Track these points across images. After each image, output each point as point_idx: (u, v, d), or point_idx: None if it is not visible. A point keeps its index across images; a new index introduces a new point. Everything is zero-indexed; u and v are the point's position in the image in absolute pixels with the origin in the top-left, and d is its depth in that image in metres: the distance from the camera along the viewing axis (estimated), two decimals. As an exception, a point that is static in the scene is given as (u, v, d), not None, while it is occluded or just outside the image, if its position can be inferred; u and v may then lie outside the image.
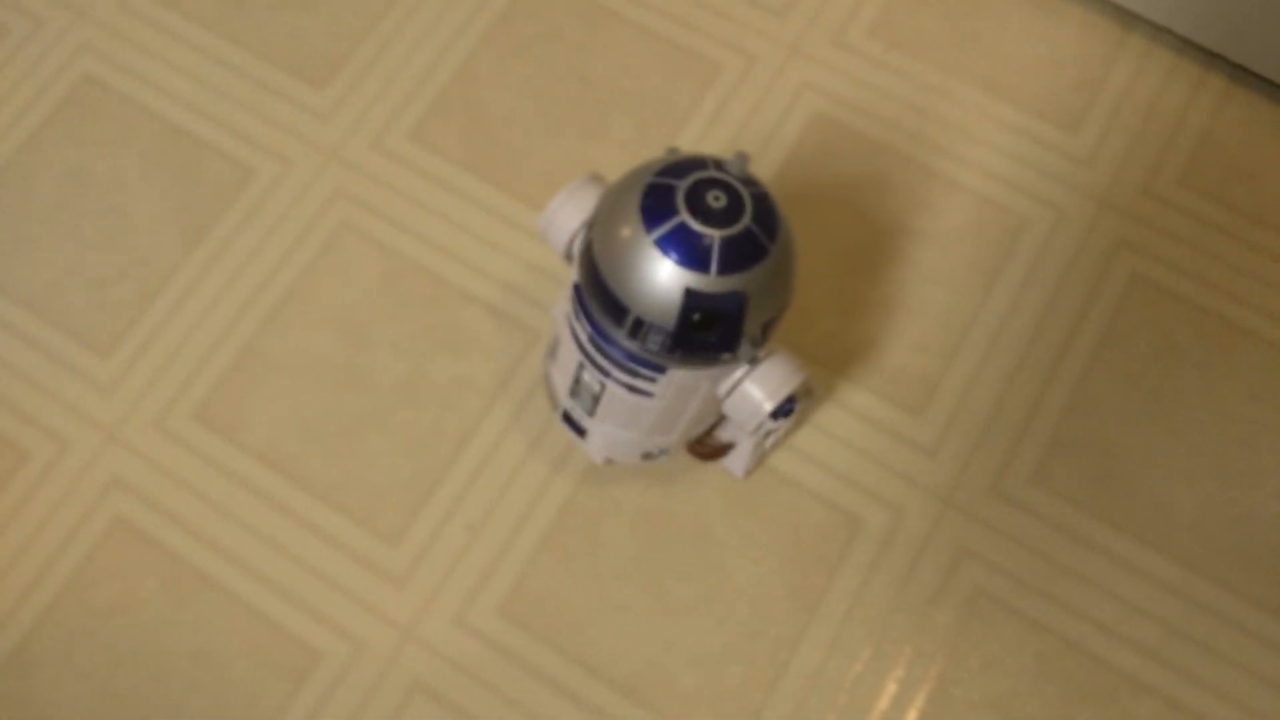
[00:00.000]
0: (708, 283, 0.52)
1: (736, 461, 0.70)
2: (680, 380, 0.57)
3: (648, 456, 0.65)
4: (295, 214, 0.80)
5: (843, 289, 0.77)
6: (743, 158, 0.53)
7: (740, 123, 0.82)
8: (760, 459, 0.71)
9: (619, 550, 0.71)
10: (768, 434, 0.65)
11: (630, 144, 0.81)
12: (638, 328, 0.54)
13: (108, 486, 0.72)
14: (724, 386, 0.59)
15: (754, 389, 0.58)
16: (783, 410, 0.59)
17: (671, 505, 0.72)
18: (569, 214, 0.59)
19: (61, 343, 0.76)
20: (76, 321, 0.77)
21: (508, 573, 0.70)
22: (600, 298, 0.54)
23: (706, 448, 0.69)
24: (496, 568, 0.70)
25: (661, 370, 0.56)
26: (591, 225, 0.55)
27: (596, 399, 0.61)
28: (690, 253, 0.52)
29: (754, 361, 0.58)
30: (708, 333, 0.53)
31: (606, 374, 0.58)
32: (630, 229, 0.52)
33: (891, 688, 0.68)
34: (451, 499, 0.72)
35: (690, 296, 0.52)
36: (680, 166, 0.53)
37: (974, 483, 0.73)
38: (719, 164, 0.54)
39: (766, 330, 0.56)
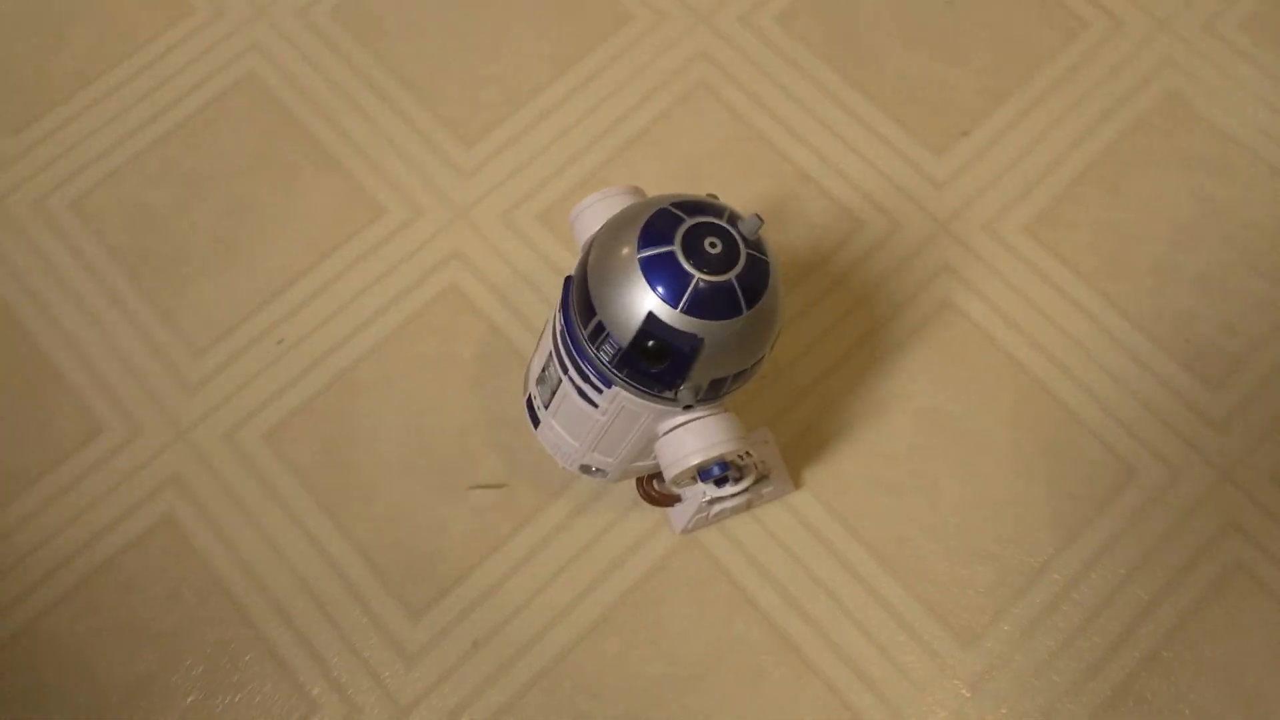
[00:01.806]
0: (671, 316, 0.53)
1: (678, 516, 0.72)
2: (624, 402, 0.58)
3: (585, 469, 0.67)
4: (658, 64, 0.86)
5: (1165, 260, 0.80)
6: (756, 220, 0.55)
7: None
8: (702, 524, 0.72)
9: (900, 437, 0.75)
10: (712, 501, 0.67)
11: (984, 74, 0.85)
12: (598, 333, 0.55)
13: (448, 257, 0.80)
14: (663, 426, 0.60)
15: (688, 438, 0.59)
16: (712, 474, 0.60)
17: (955, 408, 0.76)
18: (594, 216, 0.62)
19: (431, 124, 0.84)
20: (448, 109, 0.84)
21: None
22: (579, 295, 0.56)
23: (656, 492, 0.71)
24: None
25: (608, 384, 0.58)
26: (603, 228, 0.58)
27: (554, 391, 0.63)
28: (667, 283, 0.53)
29: (690, 409, 0.59)
30: (655, 362, 0.55)
31: (565, 370, 0.60)
32: (627, 244, 0.54)
33: (1129, 624, 0.70)
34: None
35: (650, 321, 0.53)
36: (697, 206, 0.55)
37: (1258, 465, 0.74)
38: (734, 218, 0.55)
39: (717, 387, 0.57)
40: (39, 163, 0.84)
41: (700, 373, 0.55)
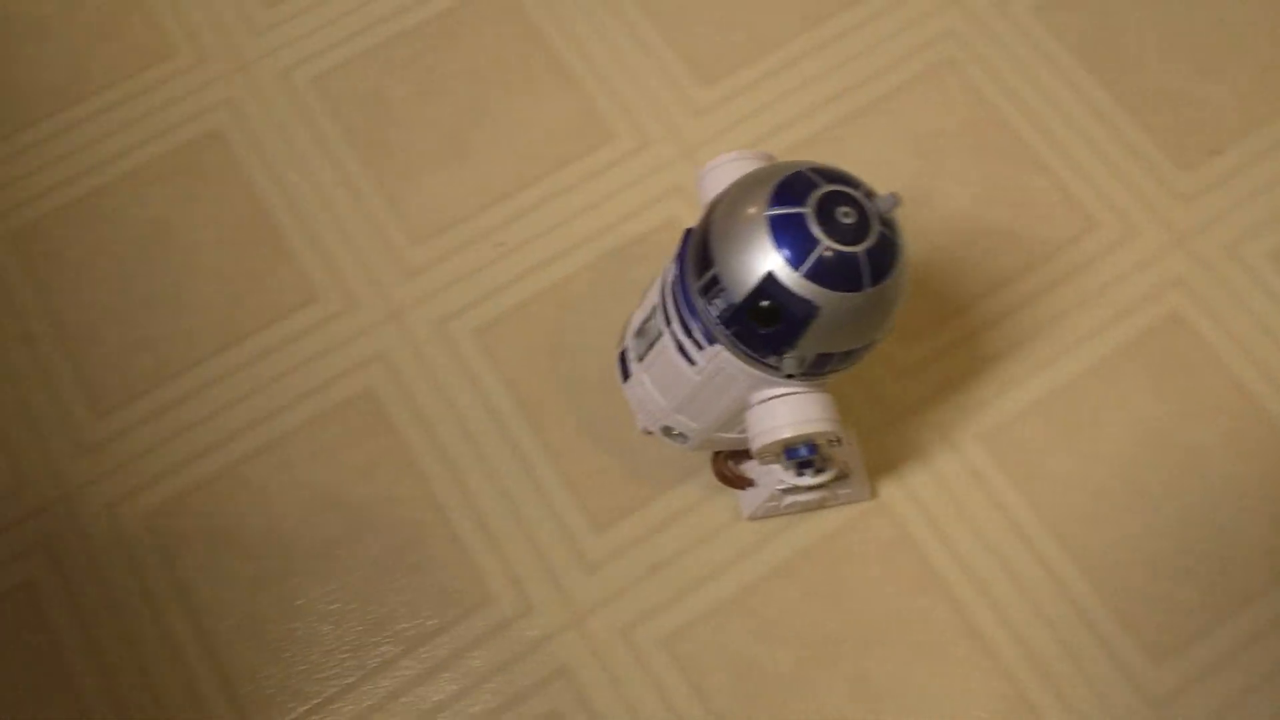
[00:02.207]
0: (791, 278, 0.52)
1: (748, 500, 0.70)
2: (723, 363, 0.57)
3: (667, 432, 0.65)
4: (906, 36, 0.85)
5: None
6: (894, 198, 0.53)
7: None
8: (772, 512, 0.70)
9: (1114, 443, 0.73)
10: (787, 490, 0.65)
11: (1245, 96, 0.82)
12: (711, 286, 0.54)
13: (670, 191, 0.80)
14: (759, 395, 0.58)
15: (782, 409, 0.57)
16: (798, 454, 0.58)
17: (1173, 424, 0.73)
18: (724, 175, 0.60)
19: (672, 58, 0.84)
20: (692, 46, 0.84)
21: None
22: (698, 247, 0.55)
23: (731, 472, 0.70)
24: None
25: (711, 342, 0.56)
26: (734, 184, 0.56)
27: (651, 345, 0.61)
28: (793, 244, 0.52)
29: (790, 380, 0.57)
30: (766, 324, 0.53)
31: (668, 322, 0.58)
32: (757, 202, 0.53)
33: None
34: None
35: (768, 280, 0.52)
36: (836, 175, 0.54)
37: None
38: (870, 194, 0.54)
39: (822, 363, 0.55)
40: (290, 34, 0.86)
41: (809, 343, 0.53)
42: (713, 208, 0.56)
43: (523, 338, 0.76)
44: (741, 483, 0.70)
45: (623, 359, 0.65)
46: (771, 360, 0.55)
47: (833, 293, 0.52)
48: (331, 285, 0.77)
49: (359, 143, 0.82)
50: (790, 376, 0.56)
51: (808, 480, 0.63)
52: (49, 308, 0.77)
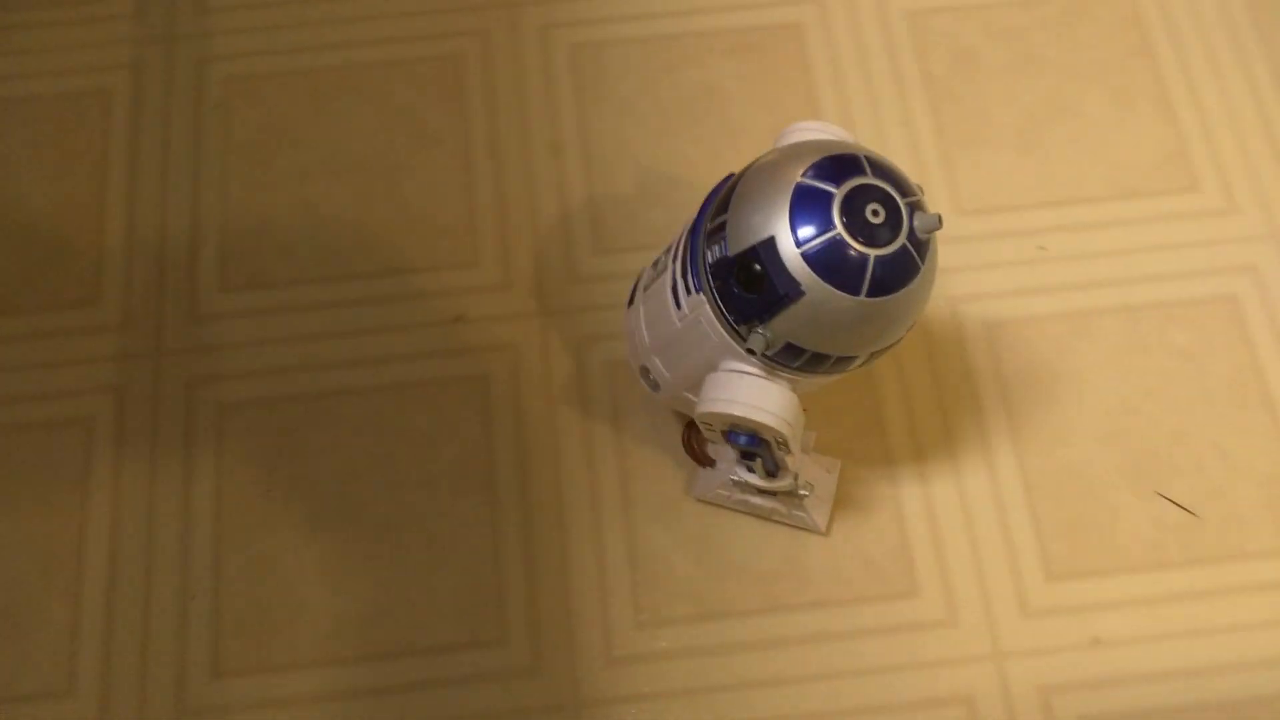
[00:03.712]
0: (789, 253, 0.48)
1: (702, 481, 0.67)
2: (702, 316, 0.53)
3: (644, 374, 0.62)
4: None
5: None
6: (935, 219, 0.49)
7: None
8: (719, 501, 0.67)
9: None
10: (738, 482, 0.62)
11: None
12: (717, 232, 0.51)
13: (1241, 269, 0.72)
14: (723, 363, 0.55)
15: (733, 384, 0.54)
16: (739, 441, 0.55)
17: None
18: (800, 137, 0.56)
19: (1287, 134, 0.76)
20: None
21: None
22: (727, 190, 0.53)
23: (696, 444, 0.67)
24: None
25: (699, 289, 0.53)
26: (791, 144, 0.53)
27: (658, 277, 0.58)
28: (807, 219, 0.48)
29: (756, 360, 0.53)
30: (747, 288, 0.50)
31: (675, 257, 0.56)
32: (798, 166, 0.50)
33: None
34: None
35: (766, 245, 0.49)
36: (890, 173, 0.50)
37: None
38: (918, 205, 0.50)
39: (792, 355, 0.51)
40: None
41: (782, 326, 0.50)
42: (760, 159, 0.53)
43: (1027, 349, 0.71)
44: (704, 460, 0.67)
45: (636, 284, 0.63)
46: (742, 329, 0.52)
47: (825, 285, 0.49)
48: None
49: (934, 91, 0.78)
50: (752, 354, 0.53)
51: (754, 479, 0.61)
52: (582, 128, 0.79)
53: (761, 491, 0.63)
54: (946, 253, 0.71)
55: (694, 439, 0.68)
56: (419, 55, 0.81)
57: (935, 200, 0.75)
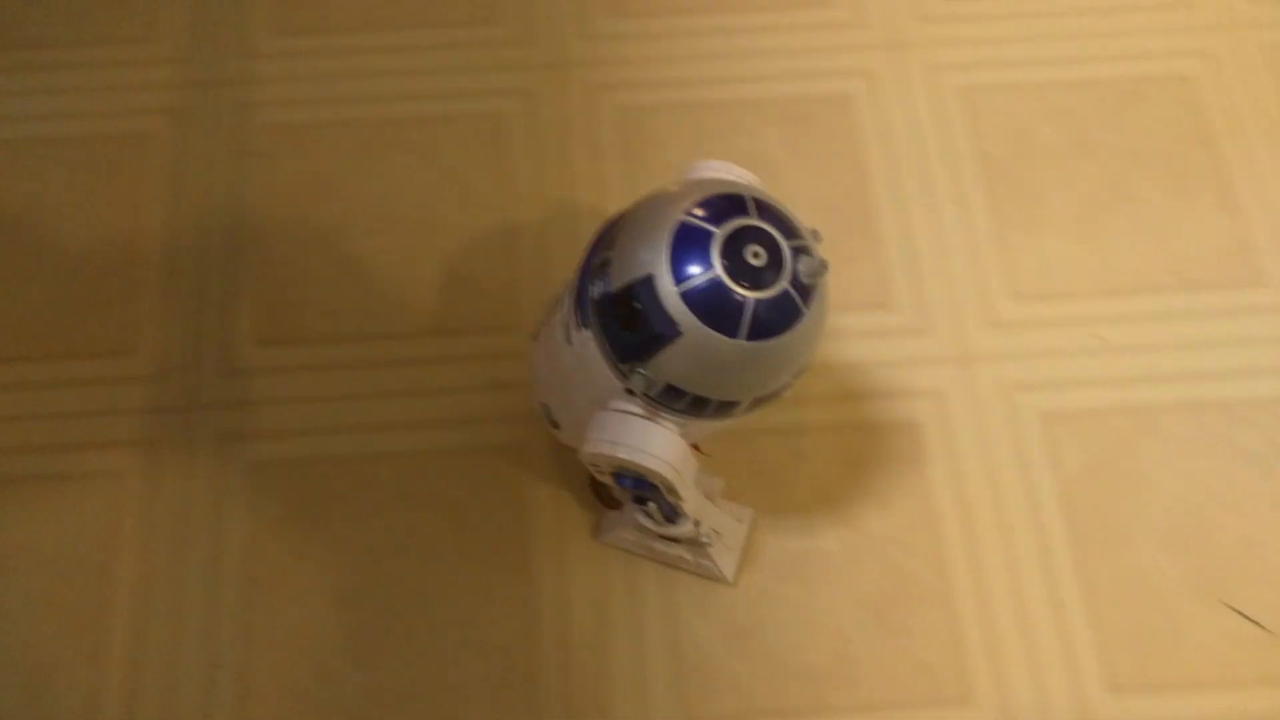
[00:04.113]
0: (668, 292, 0.47)
1: (609, 522, 0.66)
2: (589, 354, 0.52)
3: (546, 413, 0.61)
4: None
5: None
6: (819, 263, 0.49)
7: None
8: (621, 544, 0.66)
9: None
10: (641, 527, 0.61)
11: None
12: (602, 267, 0.50)
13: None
14: (611, 402, 0.53)
15: (615, 425, 0.52)
16: (626, 483, 0.54)
17: None
18: (697, 174, 0.55)
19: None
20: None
21: None
22: (614, 224, 0.52)
23: (599, 488, 0.66)
24: None
25: (584, 325, 0.51)
26: (688, 181, 0.52)
27: (554, 314, 0.57)
28: (686, 259, 0.47)
29: (647, 402, 0.51)
30: (625, 326, 0.49)
31: (569, 291, 0.54)
32: (684, 203, 0.48)
33: None
34: None
35: (645, 283, 0.47)
36: (779, 218, 0.49)
37: None
38: (803, 249, 0.49)
39: (673, 397, 0.50)
40: (957, 34, 0.82)
41: (662, 367, 0.49)
42: (649, 194, 0.52)
43: (1086, 444, 0.68)
44: (610, 503, 0.66)
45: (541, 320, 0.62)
46: (624, 368, 0.50)
47: (703, 326, 0.47)
48: (909, 297, 0.73)
49: (991, 171, 0.77)
50: (631, 394, 0.51)
51: (651, 524, 0.59)
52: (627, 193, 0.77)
53: (664, 538, 0.62)
54: (1001, 338, 0.71)
55: (596, 483, 0.67)
56: (466, 111, 0.79)
57: (988, 282, 0.73)
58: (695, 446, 0.63)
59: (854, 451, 0.68)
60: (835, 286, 0.71)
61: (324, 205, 0.76)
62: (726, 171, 0.56)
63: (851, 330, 0.72)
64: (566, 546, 0.66)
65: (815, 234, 0.51)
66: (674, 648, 0.64)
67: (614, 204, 0.78)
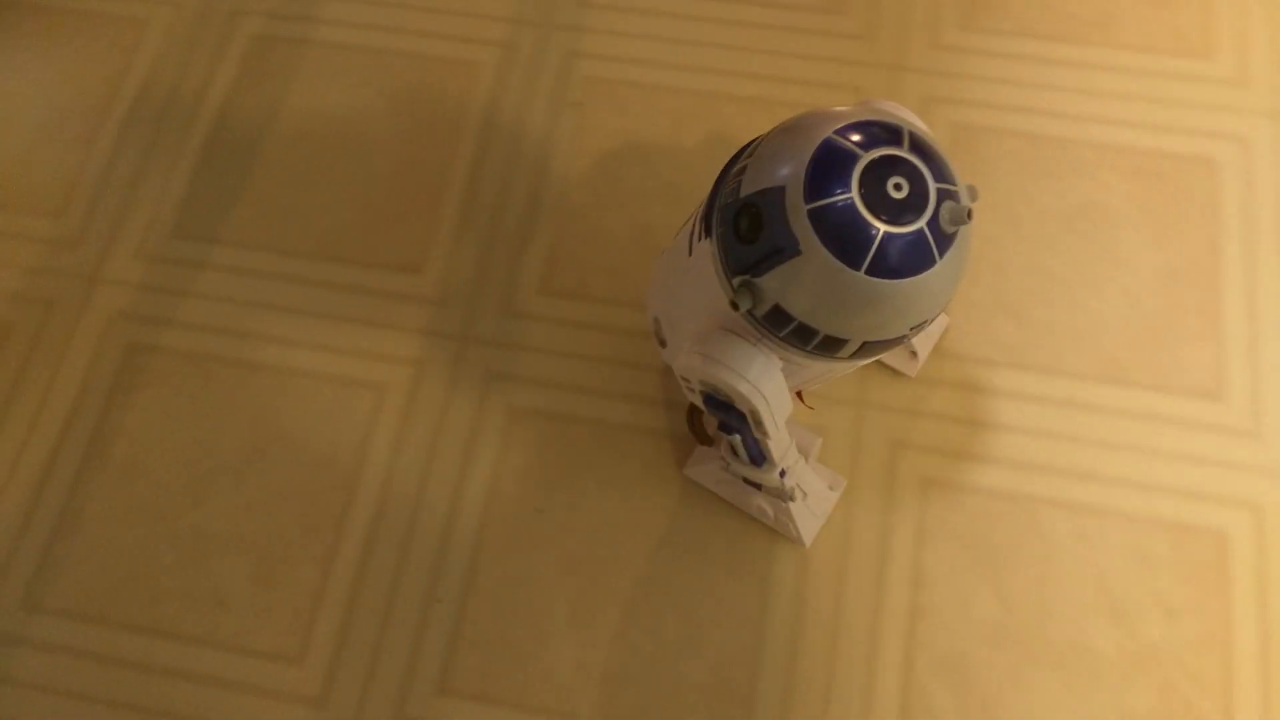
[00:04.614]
0: (794, 206, 0.45)
1: (698, 455, 0.65)
2: (705, 262, 0.50)
3: (655, 326, 0.58)
4: None
5: None
6: (963, 208, 0.45)
7: None
8: (705, 479, 0.65)
9: None
10: (727, 464, 0.60)
11: None
12: (738, 175, 0.48)
13: (1239, 503, 0.59)
14: (717, 318, 0.51)
15: (716, 339, 0.50)
16: (712, 402, 0.52)
17: None
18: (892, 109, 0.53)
19: None
20: None
21: None
22: (761, 136, 0.49)
23: (698, 421, 0.65)
24: None
25: (708, 234, 0.50)
26: (860, 105, 0.50)
27: (683, 227, 0.55)
28: (823, 176, 0.44)
29: (749, 319, 0.48)
30: (743, 235, 0.46)
31: (706, 202, 0.52)
32: (834, 122, 0.46)
33: None
34: None
35: (773, 193, 0.45)
36: (928, 152, 0.46)
37: None
38: (950, 195, 0.45)
39: (778, 322, 0.47)
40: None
41: (774, 284, 0.46)
42: (810, 110, 0.49)
43: (962, 536, 0.59)
44: (704, 438, 0.65)
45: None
46: (736, 282, 0.47)
47: (824, 249, 0.44)
48: (1243, 392, 0.65)
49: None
50: (736, 308, 0.47)
51: (736, 464, 0.58)
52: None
53: (748, 482, 0.59)
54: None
55: (695, 416, 0.66)
56: (786, 99, 0.76)
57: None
58: (798, 394, 0.60)
59: (1145, 548, 0.62)
60: (1165, 364, 0.66)
61: (629, 169, 0.75)
62: (899, 111, 0.52)
63: (1174, 417, 0.65)
64: (809, 567, 0.63)
65: (972, 190, 0.47)
66: (905, 711, 0.59)
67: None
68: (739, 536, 0.63)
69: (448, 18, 0.81)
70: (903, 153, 0.45)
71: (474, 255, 0.73)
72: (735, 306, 0.48)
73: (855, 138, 0.45)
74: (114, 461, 0.68)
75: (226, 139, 0.78)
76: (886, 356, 0.67)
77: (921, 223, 0.44)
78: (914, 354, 0.67)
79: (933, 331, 0.67)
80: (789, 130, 0.47)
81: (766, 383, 0.50)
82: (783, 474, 0.57)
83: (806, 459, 0.61)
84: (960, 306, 0.68)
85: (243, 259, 0.73)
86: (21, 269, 0.74)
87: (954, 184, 0.46)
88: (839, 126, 0.45)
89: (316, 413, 0.68)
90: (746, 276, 0.47)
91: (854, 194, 0.44)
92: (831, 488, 0.63)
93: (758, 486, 0.60)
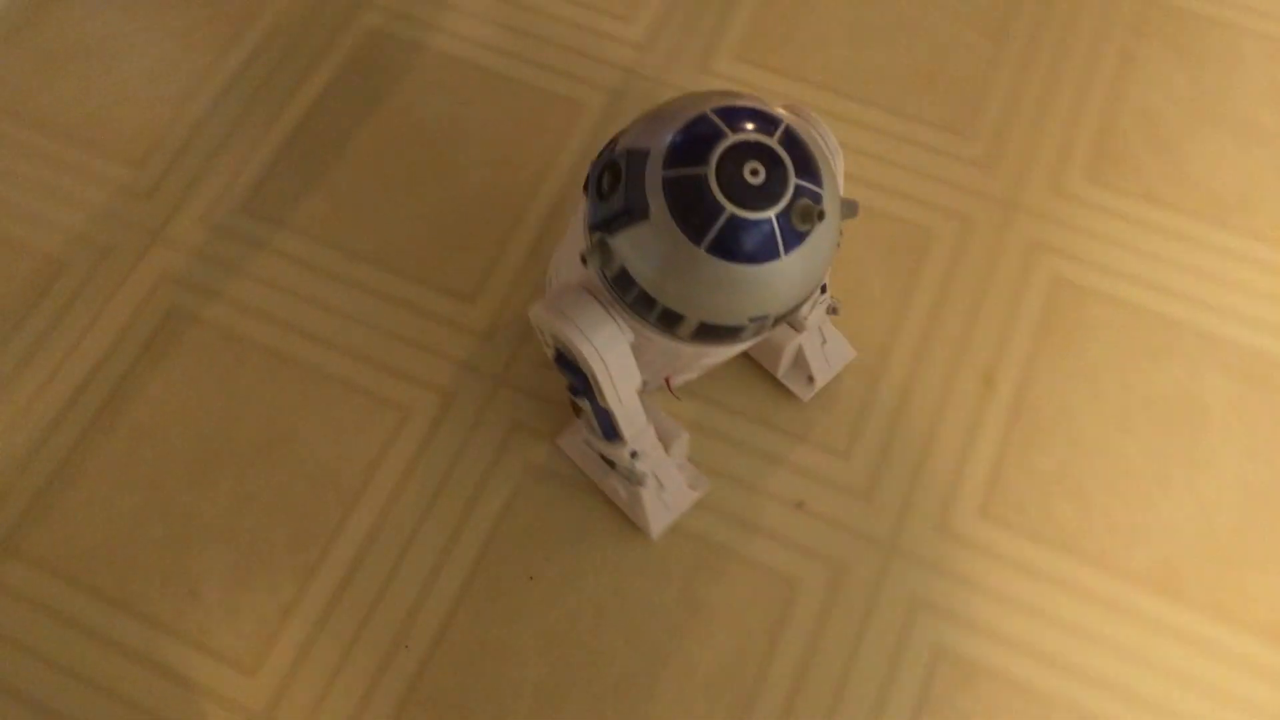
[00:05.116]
0: (653, 170, 0.45)
1: (568, 432, 0.65)
2: (577, 221, 0.51)
3: (547, 283, 0.59)
4: None
5: None
6: (814, 213, 0.45)
7: None
8: (571, 451, 0.65)
9: None
10: (585, 432, 0.60)
11: None
12: (621, 134, 0.48)
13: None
14: (580, 280, 0.51)
15: (571, 297, 0.50)
16: (564, 362, 0.52)
17: None
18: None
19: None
20: None
21: None
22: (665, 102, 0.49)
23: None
24: None
25: (584, 191, 0.50)
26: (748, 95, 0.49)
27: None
28: (688, 146, 0.45)
29: (585, 264, 0.49)
30: (607, 189, 0.47)
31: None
32: (720, 100, 0.46)
33: None
34: None
35: (636, 156, 0.46)
36: (803, 153, 0.46)
37: None
38: (805, 190, 0.45)
39: (624, 286, 0.47)
40: (1074, 223, 0.67)
41: (623, 245, 0.46)
42: (713, 89, 0.50)
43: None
44: (579, 411, 0.61)
45: None
46: (593, 238, 0.47)
47: (670, 218, 0.45)
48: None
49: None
50: (584, 263, 0.48)
51: (589, 435, 0.58)
52: (1026, 372, 0.68)
53: (604, 459, 0.59)
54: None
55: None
56: (887, 211, 0.73)
57: None
58: (666, 382, 0.59)
59: None
60: (1228, 588, 0.61)
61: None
62: (816, 125, 0.52)
63: (1231, 652, 0.59)
64: (814, 660, 0.59)
65: (852, 205, 0.48)
66: None
67: (1005, 375, 0.70)
68: (733, 660, 0.60)
69: (567, 54, 0.79)
70: (770, 142, 0.45)
71: (529, 298, 0.70)
72: (584, 261, 0.49)
73: (731, 119, 0.46)
74: (127, 423, 0.67)
75: (315, 127, 0.77)
76: (784, 376, 0.66)
77: (771, 212, 0.45)
78: (811, 379, 0.66)
79: (834, 362, 0.66)
80: (683, 99, 0.48)
81: (610, 350, 0.50)
82: (634, 455, 0.56)
83: (667, 449, 0.59)
84: (1021, 470, 0.64)
85: (303, 249, 0.72)
86: (89, 211, 0.74)
87: (819, 184, 0.46)
88: (721, 106, 0.46)
89: (337, 421, 0.66)
90: (601, 234, 0.47)
91: (710, 170, 0.45)
92: (692, 486, 0.63)
93: (612, 465, 0.60)
